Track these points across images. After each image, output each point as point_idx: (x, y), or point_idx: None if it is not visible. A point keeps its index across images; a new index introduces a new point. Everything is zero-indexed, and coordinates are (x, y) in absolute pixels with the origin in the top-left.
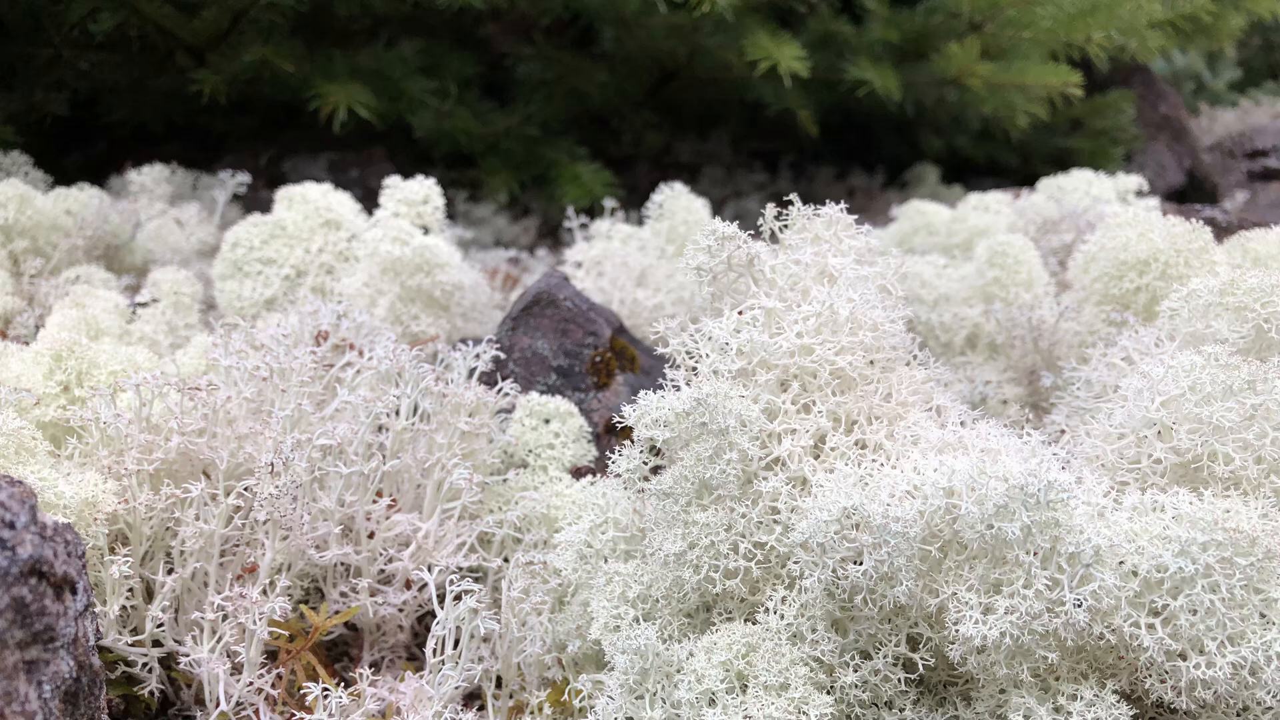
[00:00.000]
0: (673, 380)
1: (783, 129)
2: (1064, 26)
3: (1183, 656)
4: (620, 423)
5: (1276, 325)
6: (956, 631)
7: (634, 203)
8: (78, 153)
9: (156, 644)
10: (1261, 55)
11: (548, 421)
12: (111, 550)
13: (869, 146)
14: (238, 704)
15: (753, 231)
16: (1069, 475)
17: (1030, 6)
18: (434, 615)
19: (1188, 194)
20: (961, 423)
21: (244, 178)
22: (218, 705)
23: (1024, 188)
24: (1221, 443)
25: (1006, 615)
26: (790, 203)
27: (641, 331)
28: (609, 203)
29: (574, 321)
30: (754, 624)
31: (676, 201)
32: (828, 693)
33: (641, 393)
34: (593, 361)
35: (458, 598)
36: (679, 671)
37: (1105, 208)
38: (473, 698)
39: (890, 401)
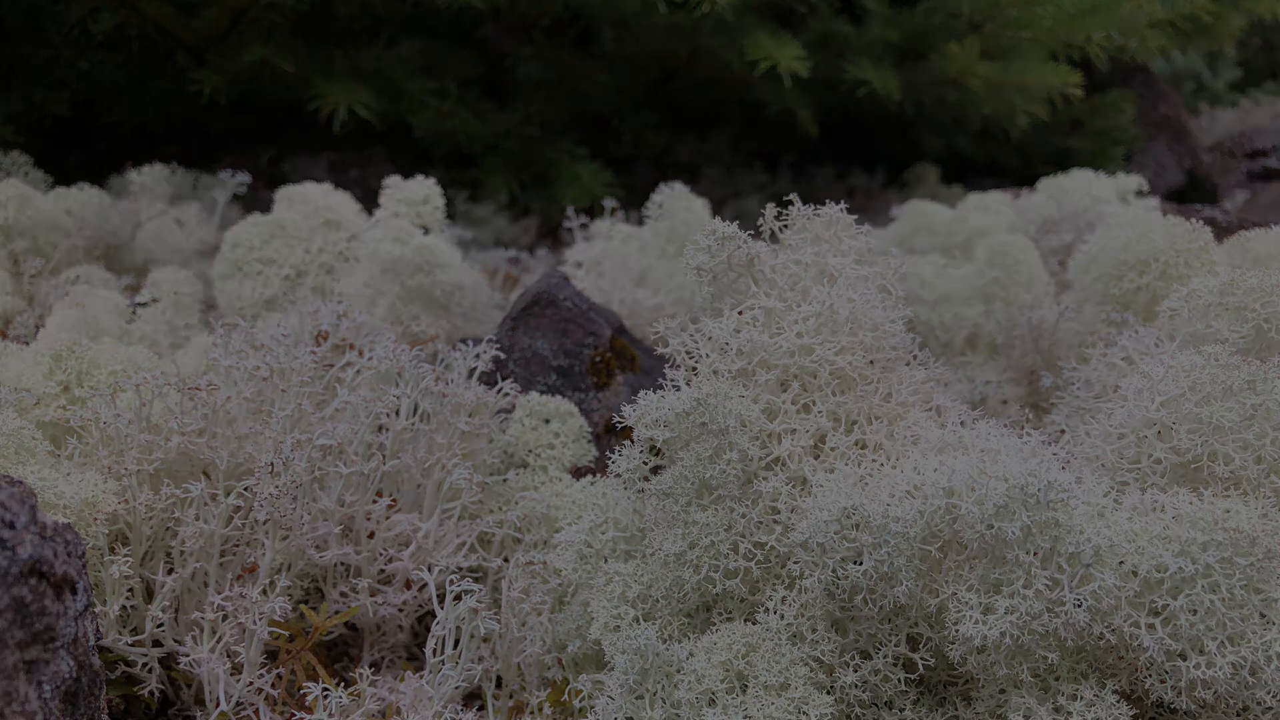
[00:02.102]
0: (673, 380)
1: (783, 129)
2: (1064, 26)
3: (1183, 656)
4: (620, 423)
5: (1276, 325)
6: (956, 631)
7: (634, 203)
8: (78, 153)
9: (156, 644)
10: (1261, 55)
11: (548, 421)
12: (111, 550)
13: (869, 146)
14: (238, 704)
15: (753, 231)
16: (1069, 475)
17: (1030, 6)
18: (434, 615)
19: (1188, 194)
20: (961, 423)
21: (244, 178)
22: (218, 705)
23: (1024, 188)
24: (1221, 443)
25: (1006, 615)
26: (790, 203)
27: (641, 331)
28: (609, 203)
29: (574, 321)
30: (754, 624)
31: (676, 201)
32: (828, 693)
33: (641, 393)
34: (593, 361)
35: (458, 598)
36: (679, 671)
37: (1105, 208)
38: (473, 698)
39: (890, 401)
